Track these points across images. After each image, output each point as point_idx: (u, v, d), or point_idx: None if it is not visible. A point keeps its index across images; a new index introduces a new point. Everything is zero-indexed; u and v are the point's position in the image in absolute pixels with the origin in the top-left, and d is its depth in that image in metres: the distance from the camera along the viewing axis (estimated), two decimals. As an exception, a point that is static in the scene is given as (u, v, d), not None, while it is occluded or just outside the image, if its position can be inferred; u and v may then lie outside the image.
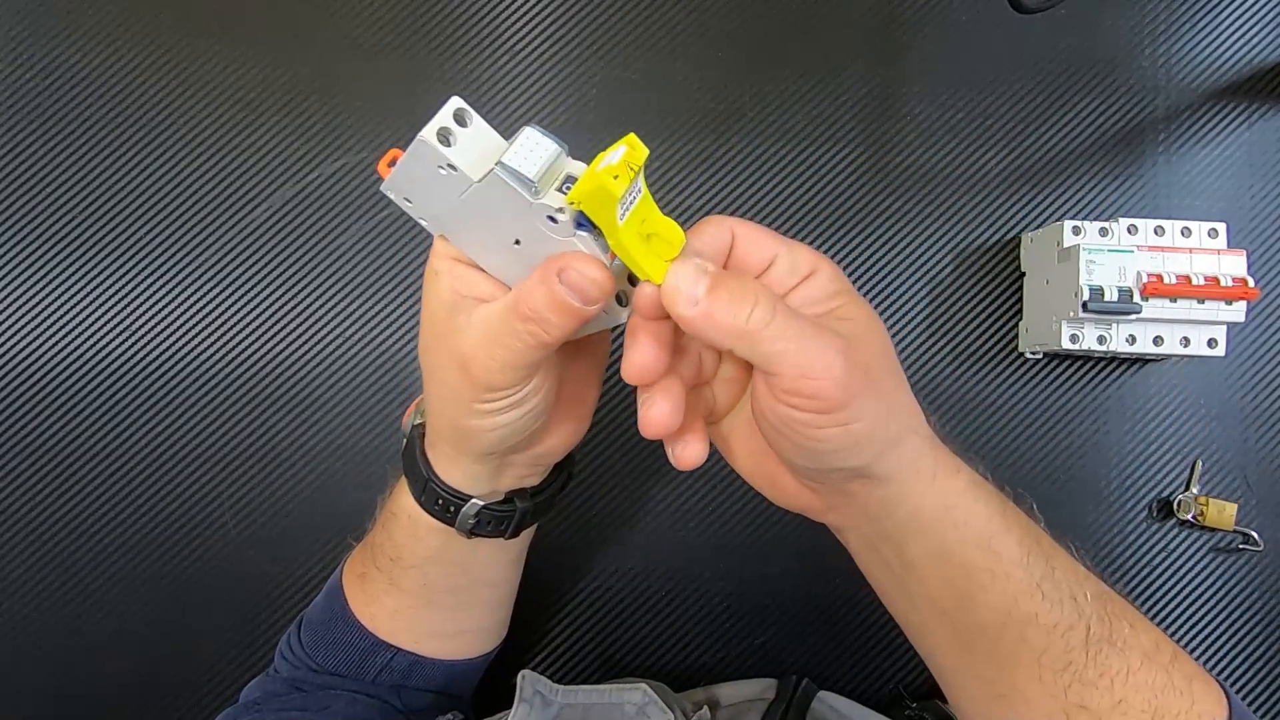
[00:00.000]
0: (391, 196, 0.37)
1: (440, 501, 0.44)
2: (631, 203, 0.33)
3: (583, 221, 0.33)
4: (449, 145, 0.33)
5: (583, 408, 0.45)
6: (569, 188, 0.33)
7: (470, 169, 0.33)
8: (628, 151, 0.32)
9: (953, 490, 0.38)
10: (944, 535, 0.38)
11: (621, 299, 0.37)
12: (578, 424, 0.45)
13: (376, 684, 0.52)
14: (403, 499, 0.47)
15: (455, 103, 0.34)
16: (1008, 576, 0.38)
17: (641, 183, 0.33)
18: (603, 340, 0.44)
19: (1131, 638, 0.37)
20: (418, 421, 0.46)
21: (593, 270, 0.34)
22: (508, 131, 0.34)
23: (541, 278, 0.34)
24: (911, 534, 0.39)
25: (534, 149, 0.33)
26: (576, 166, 0.34)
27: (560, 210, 0.33)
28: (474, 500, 0.44)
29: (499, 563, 0.51)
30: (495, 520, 0.45)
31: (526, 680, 0.48)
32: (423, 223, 0.38)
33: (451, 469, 0.44)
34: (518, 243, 0.35)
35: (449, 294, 0.38)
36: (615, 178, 0.31)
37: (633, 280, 0.36)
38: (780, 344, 0.33)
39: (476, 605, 0.54)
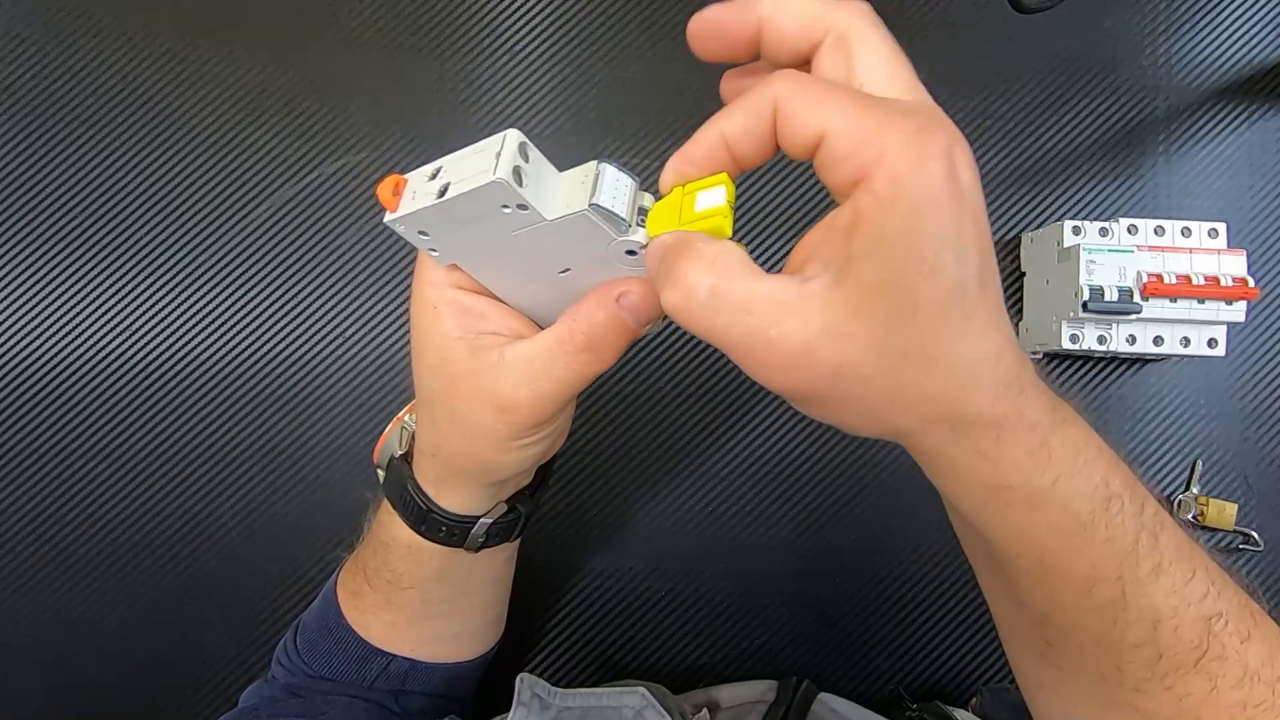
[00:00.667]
0: (399, 230, 0.34)
1: (444, 529, 0.44)
2: (708, 203, 0.32)
3: None
4: (522, 185, 0.31)
5: (570, 405, 0.44)
6: (641, 220, 0.33)
7: (540, 206, 0.32)
8: (728, 191, 0.31)
9: (1009, 502, 0.31)
10: (1000, 543, 0.33)
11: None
12: (568, 421, 0.44)
13: (373, 689, 0.52)
14: (396, 530, 0.45)
15: (518, 137, 0.32)
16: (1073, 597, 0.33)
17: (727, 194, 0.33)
18: None
19: (1233, 655, 0.32)
20: (398, 454, 0.45)
21: (647, 290, 0.34)
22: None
23: (600, 303, 0.34)
24: (964, 522, 0.35)
25: (618, 187, 0.32)
26: (646, 199, 0.33)
27: (643, 245, 0.33)
28: (482, 520, 0.44)
29: (498, 561, 0.51)
30: (503, 530, 0.45)
31: (525, 683, 0.48)
32: (432, 255, 0.36)
33: (457, 498, 0.43)
34: (564, 271, 0.35)
35: (460, 331, 0.37)
36: (725, 217, 0.30)
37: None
38: (716, 327, 0.29)
39: (475, 607, 0.54)
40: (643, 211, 0.33)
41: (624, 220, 0.32)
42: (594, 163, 0.32)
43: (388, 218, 0.34)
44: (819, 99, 0.28)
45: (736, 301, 0.28)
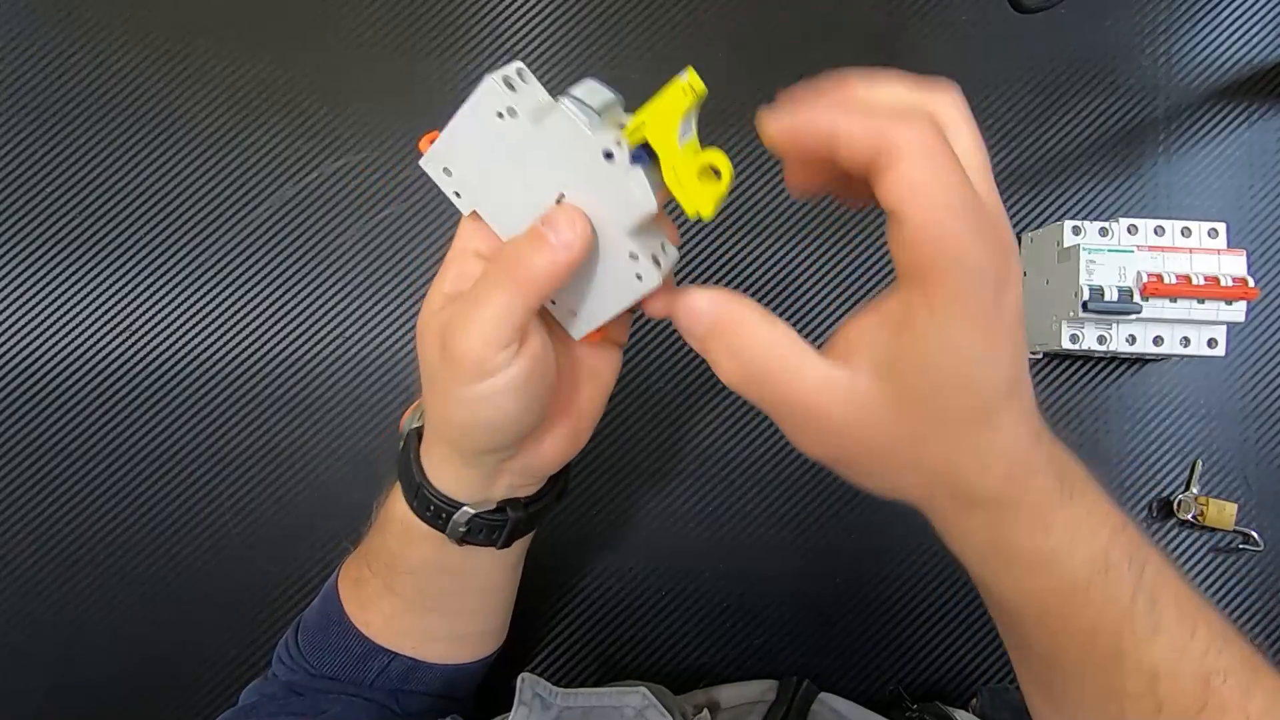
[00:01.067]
0: (429, 170, 0.38)
1: (432, 508, 0.43)
2: (688, 133, 0.34)
3: (640, 157, 0.34)
4: (515, 90, 0.35)
5: (581, 420, 0.44)
6: (624, 127, 0.34)
7: (528, 114, 0.35)
8: (691, 77, 0.33)
9: (1017, 578, 0.34)
10: (1007, 608, 0.36)
11: (658, 260, 0.37)
12: (573, 437, 0.44)
13: (374, 688, 0.52)
14: (397, 505, 0.46)
15: (517, 64, 0.36)
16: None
17: (694, 123, 0.35)
18: (613, 356, 0.44)
19: (1235, 708, 0.33)
20: (415, 425, 0.45)
21: (576, 216, 0.35)
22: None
23: (527, 230, 0.36)
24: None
25: (595, 91, 0.35)
26: (628, 118, 0.34)
27: (618, 144, 0.34)
28: (465, 508, 0.43)
29: (494, 570, 0.50)
30: (487, 529, 0.44)
31: (526, 683, 0.47)
32: (455, 199, 0.39)
33: (445, 474, 0.43)
34: (560, 200, 0.36)
35: (451, 285, 0.39)
36: (683, 93, 0.32)
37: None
38: (771, 402, 0.33)
39: (473, 611, 0.53)
40: (621, 127, 0.34)
41: (594, 110, 0.34)
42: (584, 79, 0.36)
43: (421, 161, 0.39)
44: (923, 184, 0.29)
45: (792, 385, 0.32)
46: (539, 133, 0.35)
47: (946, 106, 0.32)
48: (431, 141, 0.38)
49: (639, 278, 0.37)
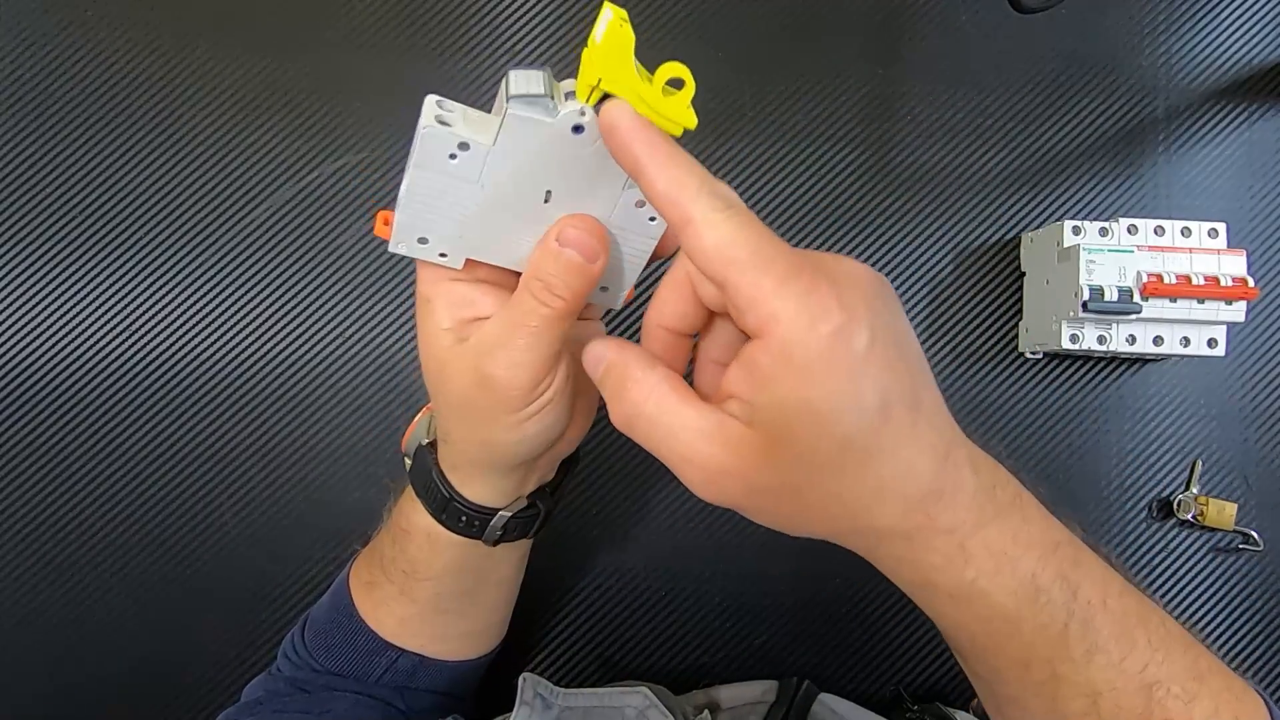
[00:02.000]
0: (403, 249, 0.37)
1: (464, 519, 0.44)
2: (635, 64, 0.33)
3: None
4: (450, 124, 0.33)
5: (592, 401, 0.44)
6: (570, 97, 0.33)
7: (479, 138, 0.33)
8: (619, 11, 0.32)
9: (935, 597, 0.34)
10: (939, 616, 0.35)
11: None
12: (588, 414, 0.45)
13: (380, 685, 0.52)
14: (416, 518, 0.46)
15: (432, 98, 0.34)
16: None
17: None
18: (596, 325, 0.44)
19: (1179, 716, 0.33)
20: (425, 441, 0.46)
21: (586, 223, 0.35)
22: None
23: (543, 253, 0.35)
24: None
25: (527, 77, 0.33)
26: (569, 83, 0.33)
27: (582, 114, 0.33)
28: (501, 513, 0.44)
29: (512, 559, 0.51)
30: (521, 525, 0.45)
31: (527, 683, 0.47)
32: (442, 260, 0.37)
33: (476, 487, 0.43)
34: (548, 200, 0.35)
35: (449, 322, 0.38)
36: (620, 27, 0.31)
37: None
38: (655, 446, 0.33)
39: (485, 606, 0.53)
40: (570, 95, 0.33)
41: (545, 95, 0.32)
42: (503, 78, 0.33)
43: (389, 247, 0.37)
44: (728, 245, 0.29)
45: (668, 427, 0.32)
46: (499, 150, 0.34)
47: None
48: (387, 222, 0.36)
49: (652, 219, 0.37)
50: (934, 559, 0.32)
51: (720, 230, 0.29)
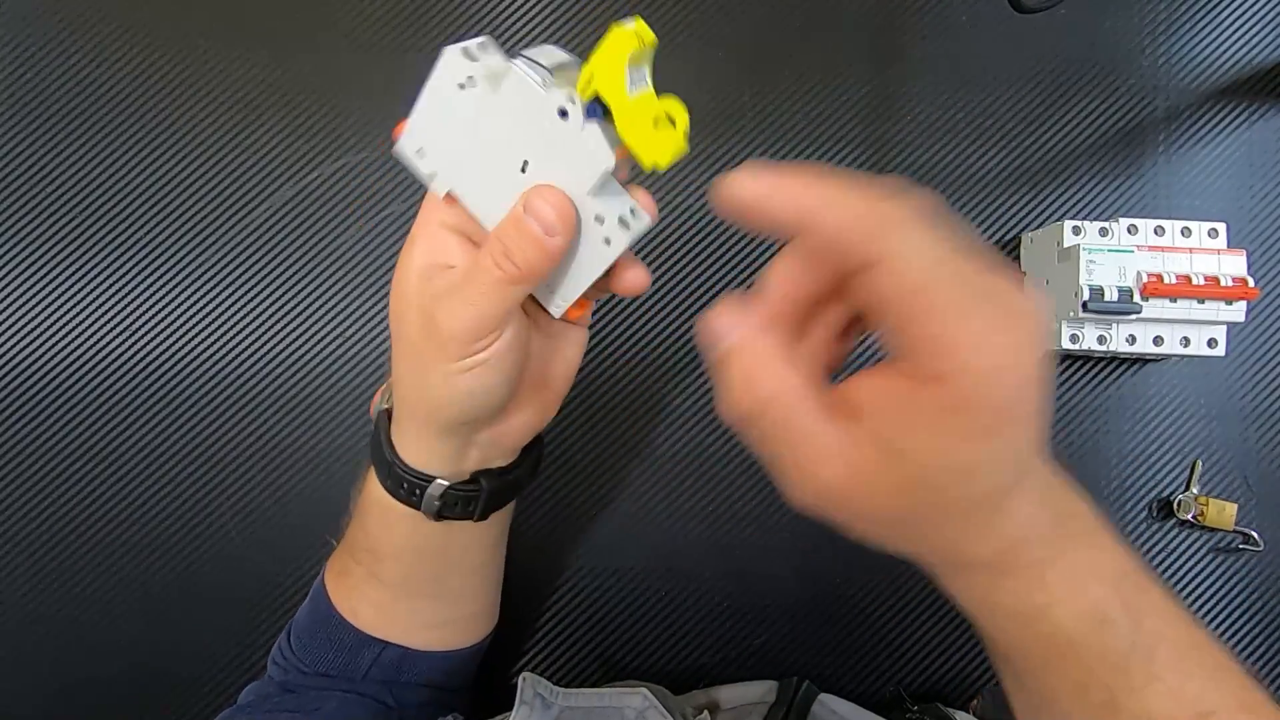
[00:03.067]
0: (402, 154, 0.39)
1: (405, 484, 0.43)
2: (640, 82, 0.34)
3: (594, 111, 0.34)
4: (474, 60, 0.35)
5: (547, 394, 0.44)
6: (574, 96, 0.34)
7: (486, 81, 0.35)
8: (639, 25, 0.33)
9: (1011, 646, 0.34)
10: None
11: (626, 223, 0.36)
12: (540, 410, 0.44)
13: (367, 681, 0.52)
14: (373, 488, 0.46)
15: (482, 38, 0.36)
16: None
17: (649, 73, 0.34)
18: (578, 333, 0.44)
19: None
20: (384, 406, 0.46)
21: (555, 198, 0.35)
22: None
23: (511, 212, 0.36)
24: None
25: (550, 53, 0.35)
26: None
27: (571, 101, 0.34)
28: (438, 481, 0.43)
29: (475, 548, 0.51)
30: (462, 501, 0.44)
31: (527, 682, 0.47)
32: (430, 181, 0.39)
33: (416, 449, 0.43)
34: (525, 169, 0.36)
35: (421, 260, 0.39)
36: (625, 37, 0.32)
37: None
38: (772, 449, 0.31)
39: (460, 593, 0.53)
40: (570, 89, 0.34)
41: (546, 71, 0.34)
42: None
43: (394, 148, 0.39)
44: (907, 302, 0.27)
45: (797, 436, 0.30)
46: (497, 99, 0.35)
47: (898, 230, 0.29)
48: (401, 126, 0.39)
49: (607, 242, 0.36)
50: (1010, 584, 0.32)
51: (912, 265, 0.27)
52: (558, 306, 0.40)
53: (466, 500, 0.44)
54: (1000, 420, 0.27)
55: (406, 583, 0.50)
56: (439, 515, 0.44)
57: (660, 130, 0.33)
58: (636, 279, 0.39)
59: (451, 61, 0.35)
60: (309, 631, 0.53)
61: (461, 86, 0.35)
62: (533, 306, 0.41)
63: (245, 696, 0.54)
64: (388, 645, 0.51)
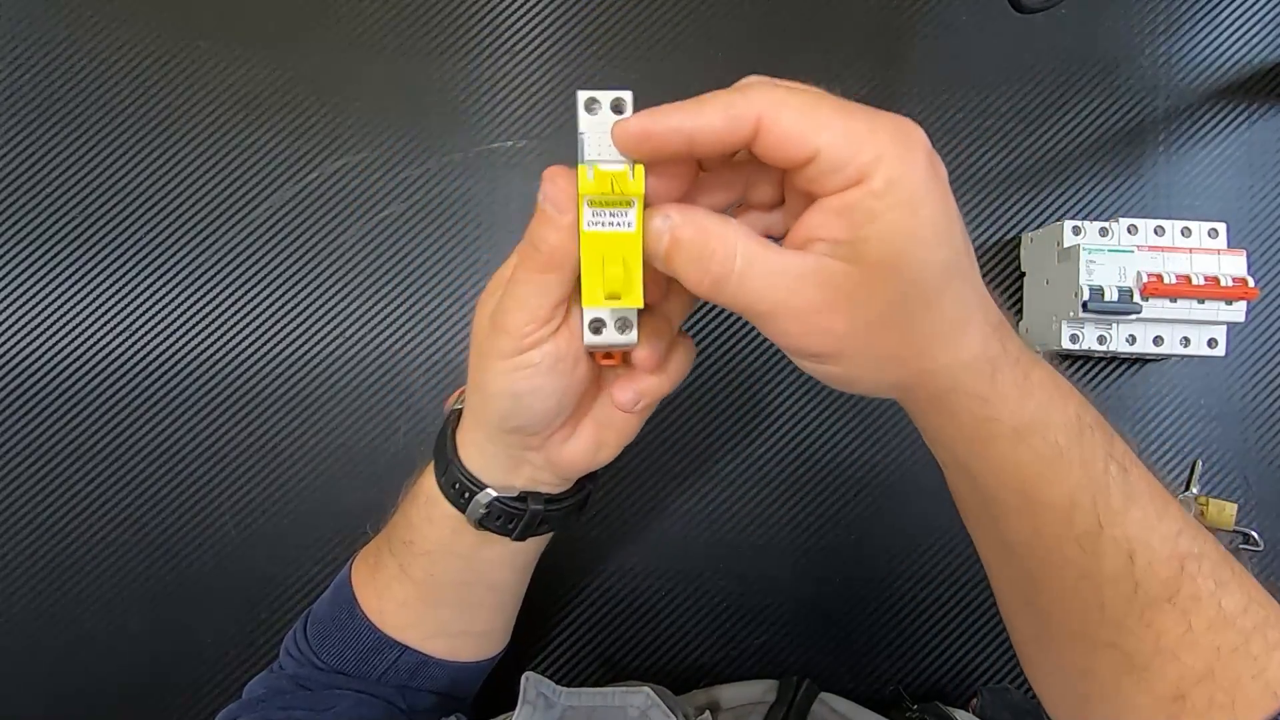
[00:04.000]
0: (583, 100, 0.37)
1: (457, 485, 0.44)
2: (612, 225, 0.34)
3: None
4: (592, 114, 0.35)
5: (607, 432, 0.44)
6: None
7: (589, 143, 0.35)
8: (625, 171, 0.34)
9: (1004, 446, 0.35)
10: (987, 489, 0.37)
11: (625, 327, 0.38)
12: (596, 444, 0.44)
13: (381, 683, 0.51)
14: (426, 480, 0.47)
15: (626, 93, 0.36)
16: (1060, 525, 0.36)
17: (637, 221, 0.34)
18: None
19: (1207, 597, 0.35)
20: (458, 406, 0.46)
21: (559, 175, 0.35)
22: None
23: (536, 210, 0.37)
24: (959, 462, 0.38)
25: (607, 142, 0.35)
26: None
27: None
28: (488, 489, 0.44)
29: (504, 566, 0.50)
30: (505, 516, 0.45)
31: (530, 682, 0.47)
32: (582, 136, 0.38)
33: (474, 452, 0.44)
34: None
35: (506, 271, 0.41)
36: (590, 178, 0.34)
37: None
38: (750, 300, 0.33)
39: (480, 607, 0.53)
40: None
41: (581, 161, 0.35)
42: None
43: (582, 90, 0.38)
44: (809, 116, 0.31)
45: (764, 278, 0.33)
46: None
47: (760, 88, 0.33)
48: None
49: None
50: (1006, 389, 0.34)
51: (795, 106, 0.31)
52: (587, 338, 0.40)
53: (509, 517, 0.45)
54: (926, 193, 0.31)
55: (432, 582, 0.50)
56: (480, 524, 0.45)
57: (610, 269, 0.35)
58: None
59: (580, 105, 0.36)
60: (329, 626, 0.53)
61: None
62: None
63: (254, 689, 0.53)
64: (406, 650, 0.51)
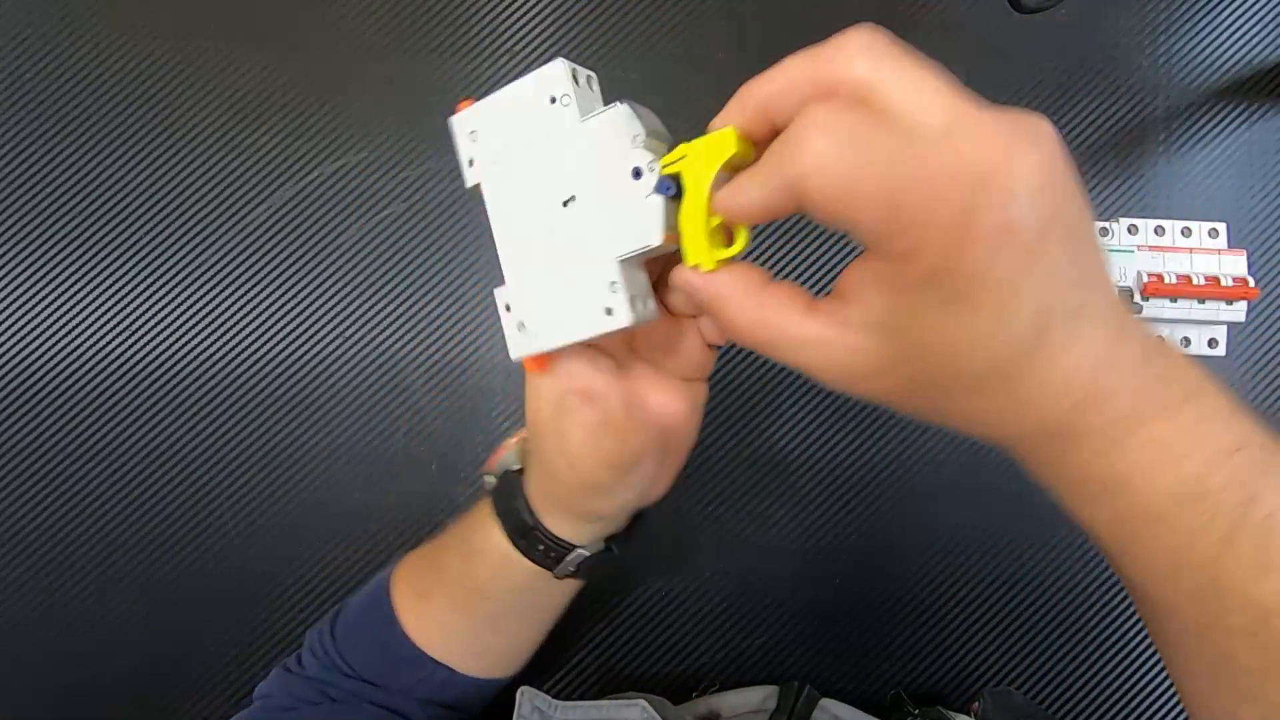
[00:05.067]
0: (457, 129, 0.36)
1: (542, 548, 0.43)
2: (719, 187, 0.31)
3: (666, 187, 0.31)
4: (576, 84, 0.33)
5: (679, 458, 0.43)
6: (653, 165, 0.32)
7: (579, 107, 0.33)
8: (741, 135, 0.31)
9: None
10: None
11: (636, 305, 0.34)
12: (672, 476, 0.44)
13: (405, 694, 0.50)
14: (493, 537, 0.45)
15: (589, 72, 0.35)
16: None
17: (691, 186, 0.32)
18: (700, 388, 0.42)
19: None
20: (515, 467, 0.45)
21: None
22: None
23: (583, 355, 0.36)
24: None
25: (651, 117, 0.33)
26: (668, 150, 0.32)
27: (650, 167, 0.32)
28: (580, 550, 0.43)
29: (569, 594, 0.50)
30: (593, 564, 0.45)
31: (525, 696, 0.45)
32: (467, 168, 0.37)
33: (561, 525, 0.43)
34: (568, 204, 0.34)
35: (555, 391, 0.37)
36: (730, 139, 0.30)
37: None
38: (784, 361, 0.31)
39: (534, 627, 0.52)
40: (658, 154, 0.32)
41: (642, 132, 0.32)
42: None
43: (453, 117, 0.36)
44: (848, 185, 0.26)
45: (791, 343, 0.30)
46: (580, 128, 0.33)
47: (851, 64, 0.28)
48: (468, 105, 0.36)
49: (609, 312, 0.33)
50: (1083, 455, 0.29)
51: (834, 173, 0.26)
52: (518, 348, 0.36)
53: (597, 563, 0.45)
54: (975, 287, 0.25)
55: (493, 619, 0.49)
56: (568, 576, 0.45)
57: (715, 238, 0.32)
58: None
59: (558, 74, 0.33)
60: (361, 633, 0.51)
61: (553, 100, 0.33)
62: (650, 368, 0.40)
63: (273, 693, 0.51)
64: (440, 666, 0.49)
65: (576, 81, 0.33)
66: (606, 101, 0.34)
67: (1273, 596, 0.28)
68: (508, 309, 0.36)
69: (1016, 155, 0.25)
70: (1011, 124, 0.25)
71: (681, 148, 0.31)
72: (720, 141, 0.30)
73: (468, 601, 0.48)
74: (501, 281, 0.36)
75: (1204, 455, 0.28)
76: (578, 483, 0.39)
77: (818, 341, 0.29)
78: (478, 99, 0.36)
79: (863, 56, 0.27)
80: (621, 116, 0.32)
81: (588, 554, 0.43)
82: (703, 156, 0.30)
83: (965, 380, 0.28)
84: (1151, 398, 0.28)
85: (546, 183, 0.34)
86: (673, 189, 0.31)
